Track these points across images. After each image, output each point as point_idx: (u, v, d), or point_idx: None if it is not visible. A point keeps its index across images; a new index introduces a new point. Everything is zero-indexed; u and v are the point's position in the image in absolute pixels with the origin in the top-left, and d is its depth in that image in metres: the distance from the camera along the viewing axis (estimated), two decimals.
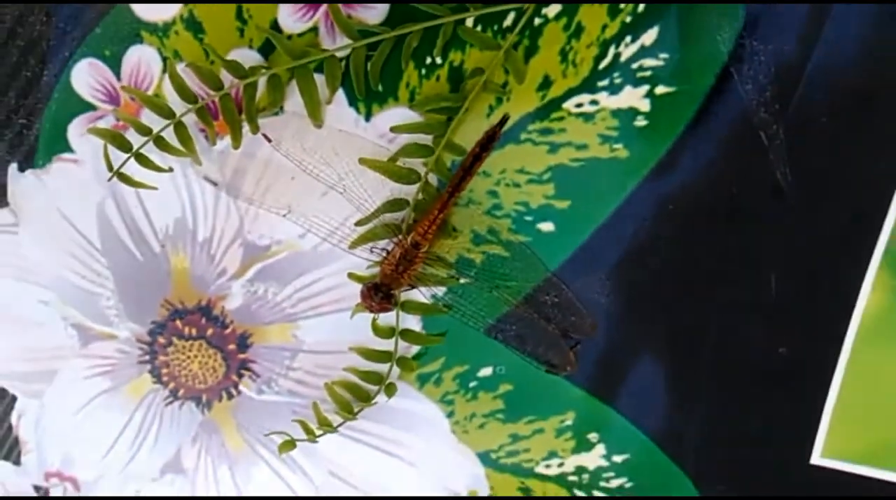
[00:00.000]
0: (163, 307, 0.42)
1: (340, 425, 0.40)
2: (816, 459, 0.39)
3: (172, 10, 0.37)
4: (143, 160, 0.37)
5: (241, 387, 0.42)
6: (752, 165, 0.36)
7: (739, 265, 0.37)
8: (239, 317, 0.41)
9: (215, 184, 0.38)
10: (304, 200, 0.37)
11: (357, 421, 0.41)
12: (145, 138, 0.36)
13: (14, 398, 0.44)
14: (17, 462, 0.46)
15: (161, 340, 0.42)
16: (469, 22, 0.35)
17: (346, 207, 0.37)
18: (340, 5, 0.36)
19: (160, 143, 0.37)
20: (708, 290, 0.38)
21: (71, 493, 0.46)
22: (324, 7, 0.36)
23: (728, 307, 0.38)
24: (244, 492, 0.44)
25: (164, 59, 0.38)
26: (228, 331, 0.42)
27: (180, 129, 0.37)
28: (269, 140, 0.36)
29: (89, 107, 0.39)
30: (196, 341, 0.42)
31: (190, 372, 0.43)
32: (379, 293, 0.37)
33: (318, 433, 0.40)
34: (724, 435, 0.40)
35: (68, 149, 0.40)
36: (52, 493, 0.46)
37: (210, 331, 0.42)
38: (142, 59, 0.38)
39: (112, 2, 0.37)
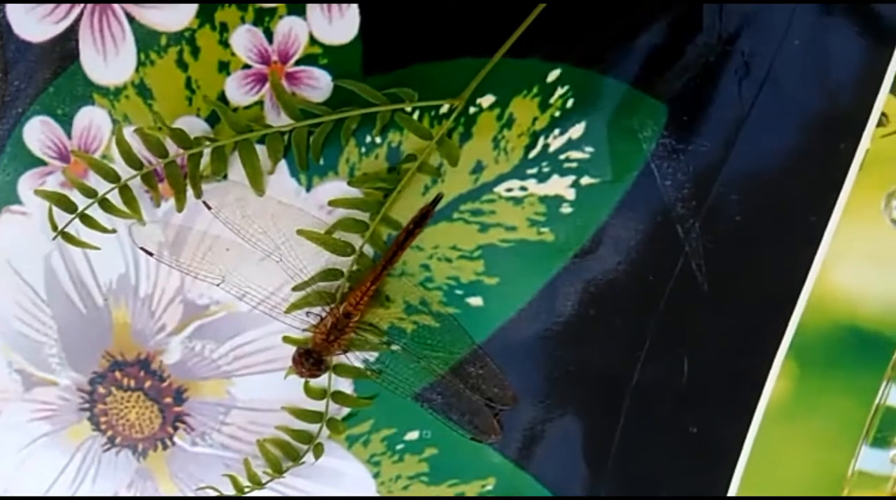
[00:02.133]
0: (104, 358, 0.40)
1: (269, 482, 0.39)
2: None
3: (125, 76, 0.36)
4: (87, 221, 0.35)
5: (175, 438, 0.41)
6: (668, 256, 0.35)
7: (655, 347, 0.36)
8: (176, 372, 0.40)
9: (151, 254, 0.36)
10: (238, 268, 0.36)
11: (286, 478, 0.39)
12: (90, 200, 0.35)
13: None
14: None
15: (101, 389, 0.40)
16: (408, 108, 0.34)
17: (281, 275, 0.36)
18: (285, 83, 0.34)
19: (105, 205, 0.35)
20: (624, 368, 0.37)
21: None
22: (269, 83, 0.35)
23: (643, 385, 0.37)
24: None
25: (115, 122, 0.36)
26: (165, 385, 0.40)
27: (125, 192, 0.35)
28: (209, 207, 0.35)
29: (40, 162, 0.37)
30: (134, 393, 0.40)
31: (127, 422, 0.41)
32: (310, 360, 0.36)
33: (246, 489, 0.38)
34: None
35: (17, 201, 0.38)
36: None
37: (148, 383, 0.40)
38: (93, 120, 0.36)
39: None
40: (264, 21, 0.34)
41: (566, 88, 0.33)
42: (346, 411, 0.39)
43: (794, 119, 0.33)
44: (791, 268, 0.35)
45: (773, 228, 0.34)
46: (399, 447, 0.39)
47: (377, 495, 0.40)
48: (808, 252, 0.34)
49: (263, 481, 0.39)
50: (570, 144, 0.34)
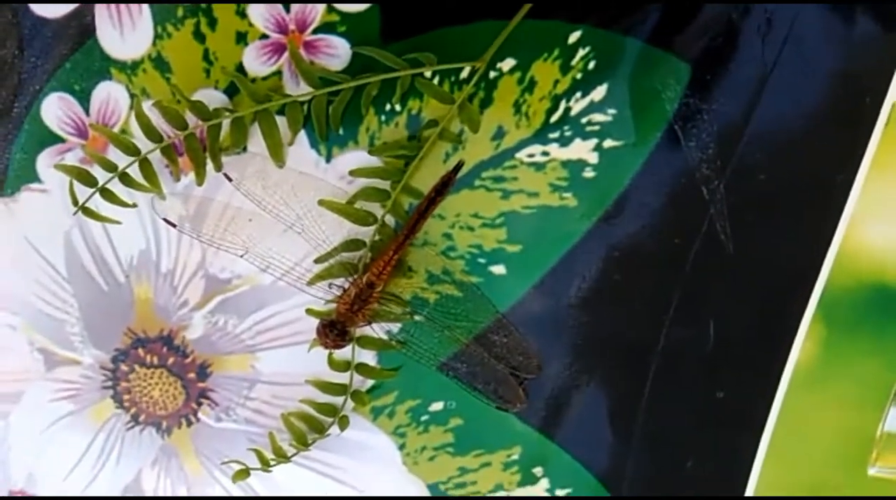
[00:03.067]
0: (126, 335, 0.39)
1: (294, 455, 0.38)
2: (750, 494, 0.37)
3: (142, 49, 0.35)
4: (108, 195, 0.34)
5: (199, 414, 0.40)
6: (693, 218, 0.34)
7: (680, 312, 0.35)
8: (199, 347, 0.38)
9: (174, 225, 0.35)
10: (261, 240, 0.35)
11: (312, 451, 0.38)
12: (110, 175, 0.34)
13: None
14: None
15: (123, 367, 0.39)
16: (427, 73, 0.33)
17: (304, 247, 0.35)
18: (303, 52, 0.33)
19: (125, 179, 0.34)
20: (650, 334, 0.36)
21: None
22: (287, 52, 0.34)
23: (669, 351, 0.36)
24: None
25: (132, 96, 0.35)
26: (189, 360, 0.39)
27: (145, 165, 0.34)
28: (230, 179, 0.34)
29: (58, 139, 0.36)
30: (157, 370, 0.39)
31: (151, 399, 0.40)
32: (334, 331, 0.35)
33: (272, 462, 0.37)
34: (663, 472, 0.37)
35: (37, 179, 0.37)
36: None
37: (171, 360, 0.39)
38: (110, 95, 0.35)
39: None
40: None
41: (588, 49, 0.32)
42: (370, 383, 0.38)
43: (817, 77, 0.32)
44: (817, 228, 0.33)
45: (799, 187, 0.33)
46: (424, 418, 0.38)
47: (402, 465, 0.39)
48: (835, 211, 0.33)
49: (289, 454, 0.38)
50: (593, 107, 0.33)
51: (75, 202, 0.34)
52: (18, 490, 0.42)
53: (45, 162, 0.37)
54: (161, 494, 0.41)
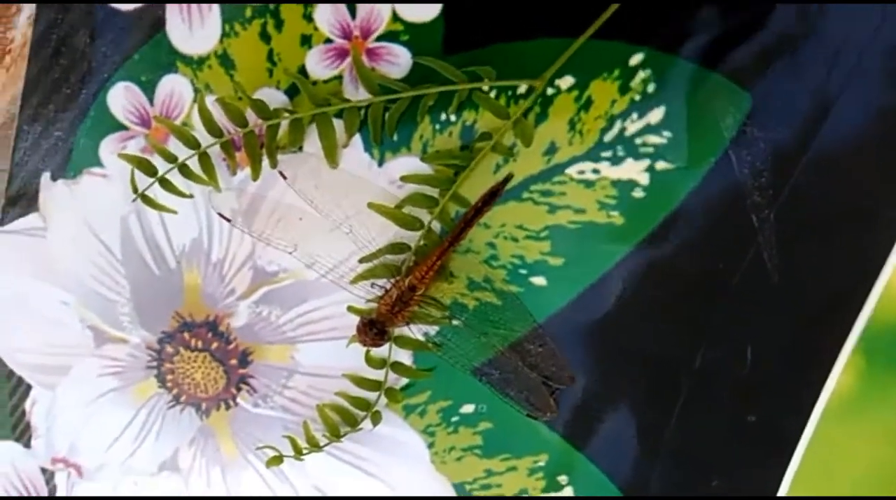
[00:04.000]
0: (173, 319, 0.39)
1: (326, 445, 0.38)
2: None
3: (209, 46, 0.35)
4: (166, 185, 0.35)
5: (238, 399, 0.40)
6: (740, 245, 0.33)
7: (718, 333, 0.34)
8: (242, 335, 0.39)
9: (228, 220, 0.35)
10: (309, 238, 0.34)
11: (343, 443, 0.38)
12: (170, 165, 0.34)
13: (29, 387, 0.42)
14: (27, 445, 0.43)
15: (169, 349, 0.40)
16: (485, 87, 0.32)
17: (349, 246, 0.34)
18: (365, 58, 0.33)
19: (184, 170, 0.34)
20: (686, 354, 0.35)
21: (74, 478, 0.43)
22: (350, 58, 0.33)
23: (703, 372, 0.35)
24: (232, 493, 0.42)
25: (196, 91, 0.35)
26: (232, 347, 0.39)
27: (204, 159, 0.34)
28: (285, 177, 0.34)
29: (122, 127, 0.37)
30: (201, 354, 0.39)
31: (193, 381, 0.40)
32: (373, 329, 0.35)
33: (305, 451, 0.38)
34: (687, 489, 0.37)
35: (99, 164, 0.37)
36: (57, 477, 0.43)
37: (215, 345, 0.39)
38: (175, 88, 0.35)
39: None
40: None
41: (648, 72, 0.31)
42: (403, 381, 0.38)
43: (878, 112, 0.31)
44: (865, 262, 0.32)
45: (850, 221, 0.32)
46: (454, 419, 0.38)
47: (430, 463, 0.39)
48: (884, 247, 0.32)
49: (322, 444, 0.38)
50: (648, 129, 0.32)
51: (135, 190, 0.34)
52: (61, 458, 0.43)
53: (107, 148, 0.37)
54: (196, 473, 0.42)
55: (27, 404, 0.42)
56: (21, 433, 0.43)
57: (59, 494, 0.44)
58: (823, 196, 0.32)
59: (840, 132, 0.31)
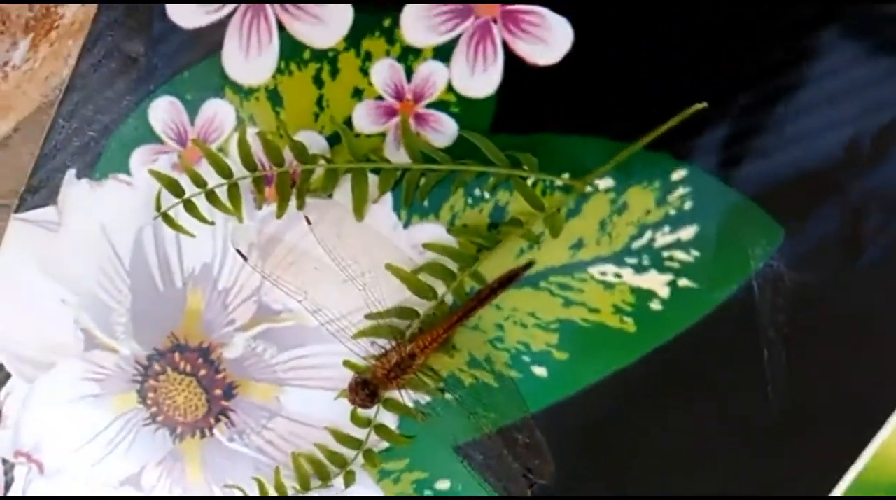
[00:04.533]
0: (168, 338, 0.38)
1: (293, 498, 0.36)
2: None
3: (261, 79, 0.34)
4: (190, 208, 0.34)
5: (215, 430, 0.38)
6: (745, 377, 0.32)
7: (703, 463, 0.33)
8: (232, 367, 0.37)
9: (245, 257, 0.34)
10: (319, 285, 0.33)
11: (312, 494, 0.37)
12: (198, 190, 0.33)
13: (8, 376, 0.40)
14: None
15: (157, 366, 0.38)
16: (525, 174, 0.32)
17: (357, 301, 0.33)
18: (412, 121, 0.33)
19: (211, 197, 0.33)
20: (669, 472, 0.34)
21: (34, 474, 0.41)
22: (397, 118, 0.33)
23: (682, 491, 0.34)
24: None
25: (239, 120, 0.35)
26: (219, 377, 0.38)
27: (233, 189, 0.33)
28: (309, 222, 0.33)
29: (157, 140, 0.36)
30: (188, 378, 0.38)
31: (174, 403, 0.38)
32: (365, 390, 0.33)
33: (270, 497, 0.36)
34: None
35: (126, 171, 0.36)
36: (17, 470, 0.41)
37: (203, 372, 0.38)
38: (218, 112, 0.35)
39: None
40: (408, 59, 0.32)
41: (688, 189, 0.31)
42: (384, 444, 0.36)
43: None
44: (867, 419, 0.31)
45: (865, 379, 0.31)
46: (427, 492, 0.36)
47: None
48: (880, 418, 0.31)
49: (289, 494, 0.36)
50: (677, 244, 0.31)
51: (158, 208, 0.33)
52: (25, 451, 0.41)
53: (138, 158, 0.36)
54: (157, 493, 0.40)
55: (1, 393, 0.41)
56: None
57: (14, 486, 0.42)
58: (844, 347, 0.31)
59: (871, 288, 0.30)
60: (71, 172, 0.37)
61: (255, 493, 0.37)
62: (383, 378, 0.33)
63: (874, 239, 0.30)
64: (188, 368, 0.38)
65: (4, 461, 0.42)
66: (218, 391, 0.38)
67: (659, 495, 0.34)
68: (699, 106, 0.29)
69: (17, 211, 0.38)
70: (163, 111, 0.35)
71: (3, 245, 0.39)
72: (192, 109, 0.35)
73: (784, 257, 0.31)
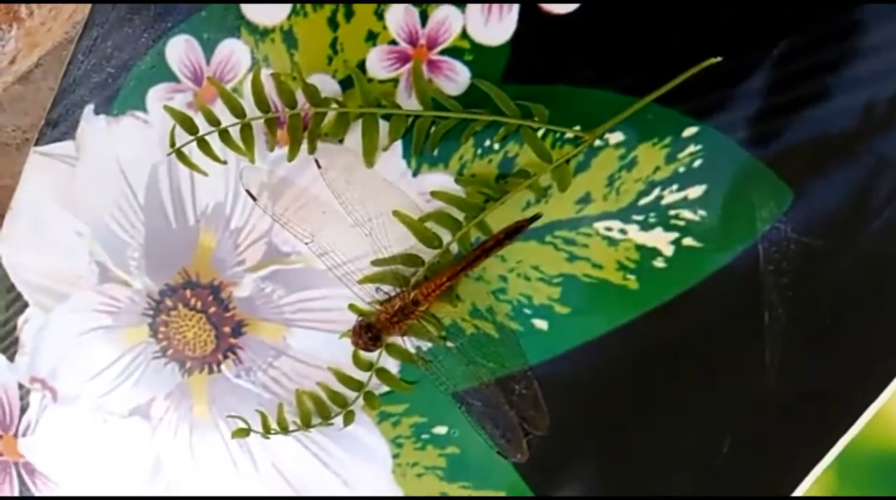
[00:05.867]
0: (179, 274, 0.37)
1: (294, 431, 0.36)
2: None
3: (277, 19, 0.33)
4: (203, 147, 0.33)
5: (222, 366, 0.38)
6: (745, 339, 0.31)
7: (700, 417, 0.32)
8: (242, 306, 0.37)
9: (254, 198, 0.33)
10: (327, 230, 0.33)
11: (311, 433, 0.36)
12: (211, 129, 0.32)
13: (25, 305, 0.40)
14: (11, 359, 0.41)
15: (168, 302, 0.38)
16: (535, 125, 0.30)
17: (364, 247, 0.33)
18: (425, 68, 0.31)
19: (224, 136, 0.32)
20: (662, 431, 0.33)
21: (48, 400, 0.41)
22: (410, 65, 0.31)
23: (674, 451, 0.33)
24: (195, 452, 0.40)
25: (254, 61, 0.33)
26: (228, 315, 0.37)
27: (246, 130, 0.32)
28: (319, 166, 0.32)
29: (174, 78, 0.35)
30: (198, 314, 0.38)
31: (184, 338, 0.38)
32: (368, 334, 0.33)
33: (273, 431, 0.36)
34: None
35: (143, 108, 0.35)
36: (32, 396, 0.42)
37: (213, 309, 0.37)
38: (234, 52, 0.34)
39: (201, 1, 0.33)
40: (423, 4, 0.31)
41: (699, 147, 0.29)
42: (385, 388, 0.36)
43: None
44: (863, 387, 0.30)
45: (864, 344, 0.30)
46: (425, 436, 0.36)
47: (391, 473, 0.37)
48: (887, 375, 0.30)
49: (291, 429, 0.36)
50: (684, 203, 0.30)
51: (172, 144, 0.32)
52: (40, 378, 0.41)
53: (155, 95, 0.35)
54: (164, 424, 0.40)
55: (20, 320, 0.41)
56: (7, 346, 0.41)
57: (30, 411, 0.42)
58: (845, 312, 0.30)
59: (877, 252, 0.29)
60: (89, 108, 0.36)
61: (258, 426, 0.37)
62: (386, 323, 0.33)
63: (884, 207, 0.29)
64: (199, 304, 0.37)
65: (21, 387, 0.42)
66: (227, 329, 0.37)
67: (650, 452, 0.34)
68: (713, 60, 0.27)
69: (36, 144, 0.37)
70: (180, 50, 0.34)
71: (23, 178, 0.38)
72: (209, 49, 0.34)
73: (791, 221, 0.29)
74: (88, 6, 0.35)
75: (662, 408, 0.33)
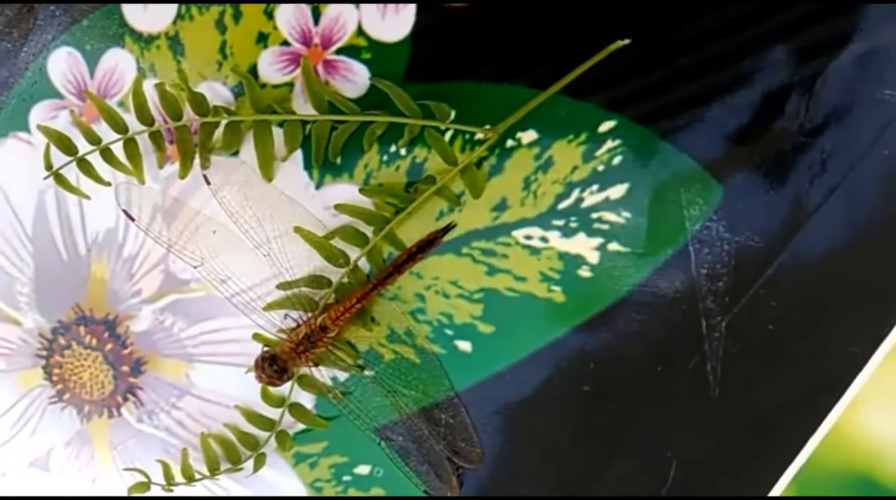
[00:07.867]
0: (72, 310, 0.32)
1: (199, 480, 0.30)
2: None
3: (161, 25, 0.29)
4: (85, 168, 0.28)
5: (123, 410, 0.33)
6: (683, 351, 0.26)
7: (641, 442, 0.28)
8: (140, 341, 0.32)
9: (132, 218, 0.29)
10: (224, 254, 0.28)
11: (221, 478, 0.31)
12: (91, 148, 0.27)
13: None
14: None
15: (62, 340, 0.33)
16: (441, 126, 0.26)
17: (265, 271, 0.28)
18: (321, 69, 0.27)
19: (107, 155, 0.28)
20: (603, 455, 0.28)
21: None
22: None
23: (619, 478, 0.28)
24: None
25: (140, 70, 0.29)
26: (126, 352, 0.32)
27: (129, 146, 0.28)
28: (209, 183, 0.27)
29: (58, 94, 0.30)
30: (93, 352, 0.32)
31: (80, 380, 0.33)
32: (273, 366, 0.28)
33: (174, 483, 0.30)
34: None
35: (26, 129, 0.31)
36: None
37: (109, 346, 0.32)
38: (118, 63, 0.29)
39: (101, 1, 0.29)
40: (315, 1, 0.27)
41: (617, 142, 0.25)
42: (300, 426, 0.31)
43: (858, 233, 0.25)
44: (815, 394, 0.26)
45: (807, 348, 0.26)
46: (346, 478, 0.31)
47: None
48: (839, 385, 0.26)
49: (196, 477, 0.31)
50: (607, 204, 0.26)
51: (48, 166, 0.28)
52: None
53: (38, 114, 0.31)
54: (66, 476, 0.34)
55: None
56: None
57: None
58: (781, 316, 0.26)
59: (813, 250, 0.25)
60: None
61: (160, 478, 0.31)
62: (292, 353, 0.28)
63: (824, 200, 0.25)
64: (94, 342, 0.32)
65: None
66: (125, 368, 0.32)
67: (595, 474, 0.29)
68: (620, 43, 0.23)
69: None
70: (62, 63, 0.30)
71: None
72: (92, 61, 0.30)
73: (723, 220, 0.25)
74: None
75: (602, 431, 0.28)
